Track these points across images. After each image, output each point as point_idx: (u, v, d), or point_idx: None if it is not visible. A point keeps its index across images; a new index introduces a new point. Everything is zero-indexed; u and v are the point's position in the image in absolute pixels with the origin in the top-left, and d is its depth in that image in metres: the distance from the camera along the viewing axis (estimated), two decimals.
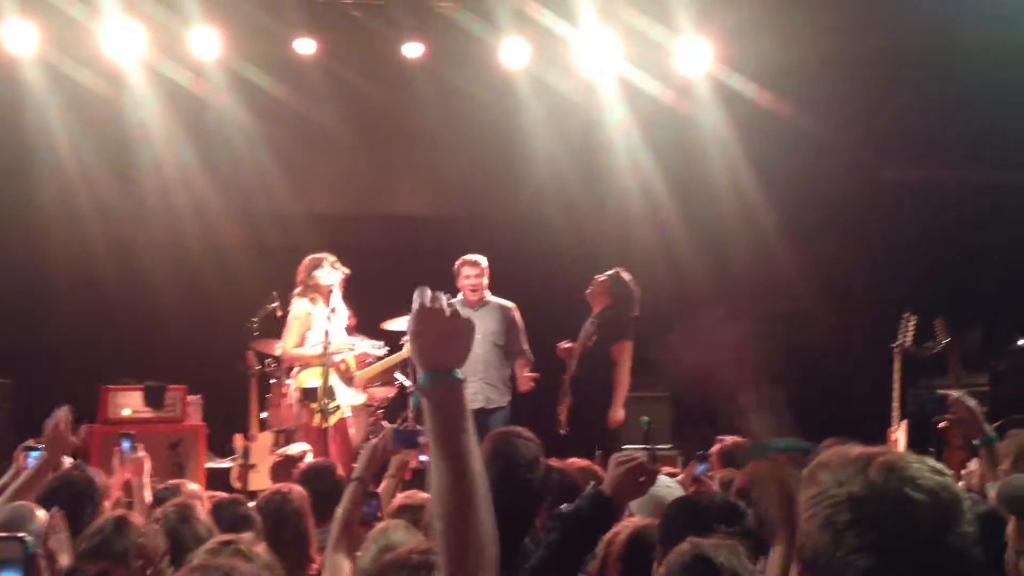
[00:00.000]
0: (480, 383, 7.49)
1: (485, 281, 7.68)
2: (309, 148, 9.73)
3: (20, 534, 1.98)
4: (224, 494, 4.64)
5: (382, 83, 9.33)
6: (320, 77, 9.11)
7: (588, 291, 7.62)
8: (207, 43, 8.56)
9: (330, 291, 7.22)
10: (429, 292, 1.77)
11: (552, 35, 8.69)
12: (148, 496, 4.39)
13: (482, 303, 7.68)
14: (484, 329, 7.55)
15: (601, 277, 7.61)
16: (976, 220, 9.15)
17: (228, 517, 3.68)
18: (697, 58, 8.86)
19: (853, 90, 9.10)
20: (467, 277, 7.63)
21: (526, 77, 9.12)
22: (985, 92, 8.72)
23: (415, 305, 1.76)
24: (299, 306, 7.30)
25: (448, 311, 1.75)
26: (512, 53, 8.85)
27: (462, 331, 1.76)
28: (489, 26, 8.65)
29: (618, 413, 7.36)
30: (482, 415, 7.44)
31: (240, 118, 9.25)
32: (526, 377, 7.65)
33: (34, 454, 4.32)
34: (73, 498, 3.77)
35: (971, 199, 9.32)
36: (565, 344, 7.61)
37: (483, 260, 7.69)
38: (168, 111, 9.09)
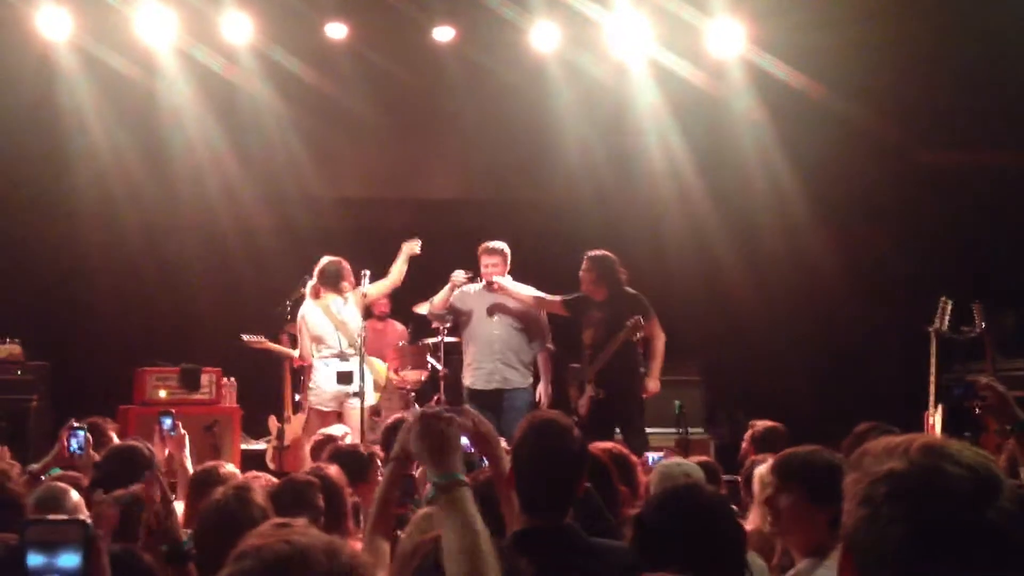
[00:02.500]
0: (497, 363, 7.55)
1: (505, 267, 7.65)
2: (339, 132, 9.73)
3: (80, 516, 1.98)
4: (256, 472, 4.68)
5: (412, 67, 9.30)
6: (351, 61, 9.10)
7: (584, 288, 7.50)
8: (239, 28, 8.59)
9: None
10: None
11: (583, 18, 8.64)
12: (190, 469, 4.55)
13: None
14: (502, 313, 7.61)
15: (586, 269, 7.44)
16: (1014, 203, 9.03)
17: (294, 494, 3.70)
18: (729, 40, 8.78)
19: (888, 72, 8.98)
20: (485, 266, 7.64)
21: (557, 60, 9.07)
22: (1021, 74, 8.60)
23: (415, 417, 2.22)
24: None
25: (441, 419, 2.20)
26: (543, 36, 8.82)
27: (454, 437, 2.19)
28: (520, 9, 8.61)
29: (656, 384, 7.38)
30: (499, 395, 7.48)
31: (271, 102, 9.27)
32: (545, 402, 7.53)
33: (79, 433, 4.42)
34: (135, 464, 3.92)
35: (1008, 182, 9.21)
36: None
37: (502, 246, 7.65)
38: (200, 96, 9.12)
